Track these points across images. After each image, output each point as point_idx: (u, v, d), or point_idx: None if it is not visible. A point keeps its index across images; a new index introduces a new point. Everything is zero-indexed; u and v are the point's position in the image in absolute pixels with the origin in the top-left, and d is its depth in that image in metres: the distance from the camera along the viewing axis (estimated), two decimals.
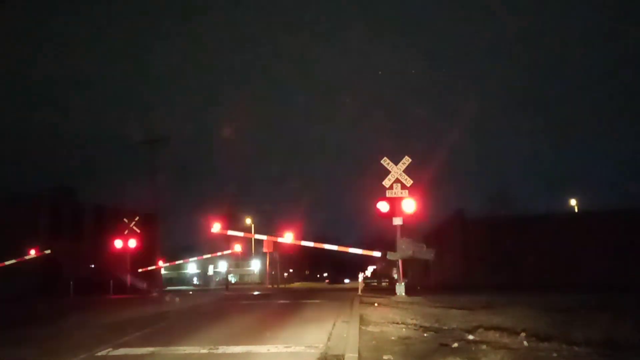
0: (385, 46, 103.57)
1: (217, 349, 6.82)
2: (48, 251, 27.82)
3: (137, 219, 33.18)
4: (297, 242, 19.33)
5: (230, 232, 20.37)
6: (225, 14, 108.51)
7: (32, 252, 27.02)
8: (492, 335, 7.03)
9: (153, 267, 30.46)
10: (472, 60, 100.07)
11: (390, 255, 16.65)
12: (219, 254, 30.48)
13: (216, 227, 20.18)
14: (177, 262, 32.34)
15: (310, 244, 18.87)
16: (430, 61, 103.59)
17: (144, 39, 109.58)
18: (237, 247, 30.93)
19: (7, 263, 25.46)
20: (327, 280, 73.53)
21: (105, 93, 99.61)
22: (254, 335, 8.22)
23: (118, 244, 30.28)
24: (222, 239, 21.81)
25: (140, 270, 30.70)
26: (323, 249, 18.62)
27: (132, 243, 30.32)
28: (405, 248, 16.15)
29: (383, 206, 16.56)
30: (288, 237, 19.61)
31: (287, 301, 17.36)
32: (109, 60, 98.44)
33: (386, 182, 16.66)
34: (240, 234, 20.27)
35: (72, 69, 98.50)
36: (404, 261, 16.99)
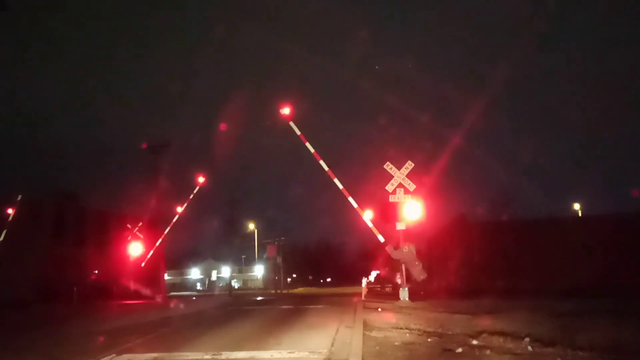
0: (388, 48, 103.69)
1: (221, 354, 6.82)
2: (19, 197, 27.32)
3: (140, 224, 33.18)
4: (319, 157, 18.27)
5: (292, 125, 19.31)
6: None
7: (10, 211, 26.87)
8: (496, 340, 7.02)
9: (152, 251, 30.53)
10: (476, 64, 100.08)
11: (390, 250, 16.62)
12: (190, 196, 30.40)
13: (287, 110, 19.40)
14: (167, 230, 31.70)
15: (326, 167, 18.11)
16: (431, 61, 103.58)
17: (147, 41, 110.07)
18: (200, 179, 30.69)
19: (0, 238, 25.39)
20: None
21: (107, 98, 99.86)
22: (258, 340, 8.22)
23: (133, 250, 30.24)
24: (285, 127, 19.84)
25: (142, 264, 30.67)
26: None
27: (136, 248, 30.29)
28: (405, 252, 16.15)
29: (386, 211, 16.54)
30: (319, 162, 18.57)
31: (291, 306, 17.35)
32: (112, 66, 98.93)
33: (389, 187, 16.64)
34: (299, 131, 19.18)
35: (75, 74, 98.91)
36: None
